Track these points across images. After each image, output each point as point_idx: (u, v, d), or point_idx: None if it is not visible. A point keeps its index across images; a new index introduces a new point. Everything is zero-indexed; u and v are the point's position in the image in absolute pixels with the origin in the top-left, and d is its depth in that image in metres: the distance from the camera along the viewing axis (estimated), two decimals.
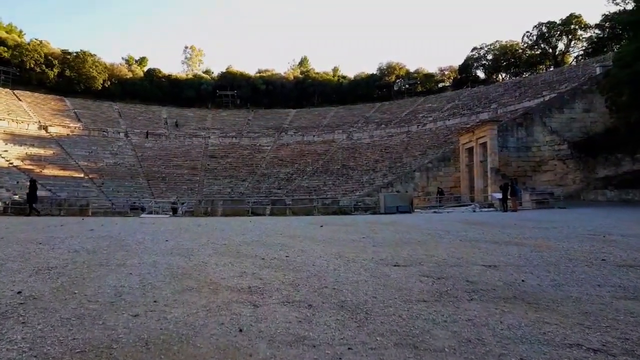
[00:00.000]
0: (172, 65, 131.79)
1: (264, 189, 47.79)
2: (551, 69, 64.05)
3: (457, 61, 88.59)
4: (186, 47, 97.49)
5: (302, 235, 10.69)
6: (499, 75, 75.47)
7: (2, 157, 42.73)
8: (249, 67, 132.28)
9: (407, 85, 77.23)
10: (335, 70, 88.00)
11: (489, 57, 75.05)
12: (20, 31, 74.90)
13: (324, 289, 5.25)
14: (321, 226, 13.24)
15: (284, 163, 54.36)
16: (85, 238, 9.34)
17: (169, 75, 76.39)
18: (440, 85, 78.58)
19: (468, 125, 45.98)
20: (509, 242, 9.67)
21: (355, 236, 10.81)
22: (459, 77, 76.66)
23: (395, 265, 6.89)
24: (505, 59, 73.52)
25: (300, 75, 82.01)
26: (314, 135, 61.30)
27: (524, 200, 26.72)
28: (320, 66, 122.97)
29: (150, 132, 60.24)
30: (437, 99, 64.21)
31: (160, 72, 76.10)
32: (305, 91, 77.01)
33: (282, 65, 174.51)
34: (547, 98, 42.67)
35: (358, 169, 47.72)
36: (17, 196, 35.31)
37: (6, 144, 45.45)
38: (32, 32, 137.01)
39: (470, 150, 35.45)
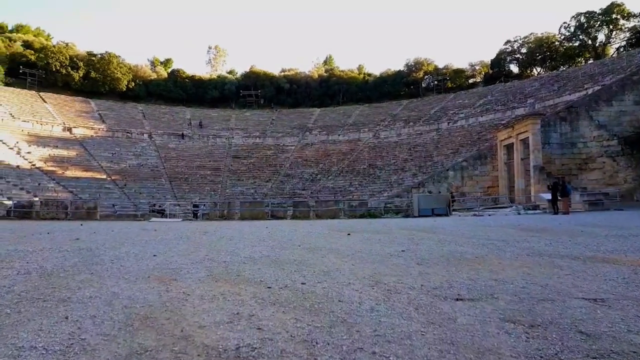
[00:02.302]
0: (196, 66, 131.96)
1: (287, 189, 46.01)
2: (591, 62, 60.18)
3: (489, 56, 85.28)
4: (210, 48, 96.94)
5: (325, 247, 8.66)
6: (534, 70, 71.79)
7: (25, 159, 42.24)
8: (273, 67, 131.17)
9: (435, 82, 74.32)
10: (360, 67, 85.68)
11: (523, 50, 71.47)
12: (48, 35, 75.54)
13: (358, 352, 3.22)
14: (348, 234, 11.19)
15: (308, 163, 52.49)
16: (56, 252, 7.54)
17: (193, 76, 75.59)
18: (470, 81, 75.40)
19: (503, 122, 43.15)
20: (594, 258, 7.46)
21: (391, 249, 8.73)
22: (490, 72, 73.31)
23: (457, 300, 4.81)
24: (540, 52, 69.79)
25: (325, 74, 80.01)
26: (339, 135, 59.23)
27: (574, 202, 24.04)
28: (345, 64, 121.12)
29: (177, 132, 59.35)
30: (468, 95, 61.24)
31: (184, 72, 75.39)
32: (330, 90, 74.98)
33: (306, 64, 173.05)
34: (590, 91, 39.50)
35: (386, 169, 45.41)
36: (37, 198, 34.53)
37: (30, 146, 45.01)
38: (60, 35, 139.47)
39: (509, 148, 32.75)
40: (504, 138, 33.32)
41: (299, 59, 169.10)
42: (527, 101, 48.77)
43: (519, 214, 21.80)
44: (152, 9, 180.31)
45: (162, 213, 28.74)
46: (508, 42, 72.67)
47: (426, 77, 76.84)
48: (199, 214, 25.72)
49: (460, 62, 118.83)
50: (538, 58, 70.54)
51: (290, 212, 20.95)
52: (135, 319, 3.90)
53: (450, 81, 73.64)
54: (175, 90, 71.57)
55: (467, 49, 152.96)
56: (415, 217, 20.19)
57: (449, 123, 52.83)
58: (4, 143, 42.68)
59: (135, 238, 9.97)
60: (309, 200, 27.56)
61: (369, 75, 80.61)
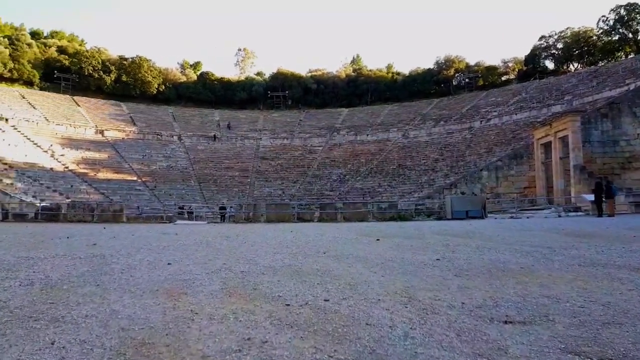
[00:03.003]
0: (224, 68, 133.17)
1: (315, 190, 45.49)
2: (632, 56, 57.30)
3: (523, 52, 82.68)
4: (239, 50, 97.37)
5: (352, 255, 8.01)
6: (570, 65, 69.08)
7: (59, 161, 43.13)
8: (300, 67, 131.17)
9: (467, 80, 72.49)
10: (389, 66, 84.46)
11: (559, 45, 68.88)
12: (82, 40, 77.47)
13: None
14: (377, 239, 10.49)
15: (336, 164, 51.85)
16: (68, 259, 7.15)
17: (221, 78, 76.10)
18: (503, 78, 73.20)
19: (539, 120, 41.48)
20: None
21: (425, 256, 8.00)
22: (524, 68, 70.95)
23: (506, 322, 4.10)
24: (577, 47, 67.03)
25: (353, 74, 79.17)
26: (367, 135, 58.35)
27: (618, 203, 22.58)
28: (374, 63, 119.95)
29: (206, 134, 59.77)
30: (501, 93, 59.36)
31: (212, 75, 75.99)
32: (358, 89, 74.09)
33: (333, 64, 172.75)
34: (632, 86, 37.46)
35: (416, 169, 44.32)
36: (69, 200, 35.10)
37: (63, 148, 45.99)
38: (93, 40, 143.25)
39: (546, 146, 31.26)
40: (541, 136, 31.83)
41: (326, 59, 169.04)
42: (564, 98, 46.81)
43: (560, 216, 20.58)
44: (182, 13, 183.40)
45: (190, 214, 28.66)
46: (543, 37, 70.25)
47: (457, 75, 75.06)
48: (226, 216, 25.46)
49: (492, 59, 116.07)
50: (575, 53, 67.82)
51: (317, 214, 20.36)
52: (129, 346, 3.36)
53: (482, 79, 71.67)
54: (204, 92, 72.17)
55: (500, 45, 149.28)
56: (448, 219, 19.27)
57: (481, 121, 51.25)
58: (38, 146, 43.72)
59: (154, 243, 9.56)
60: (337, 202, 26.90)
61: (398, 74, 79.33)
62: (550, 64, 70.91)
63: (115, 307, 4.40)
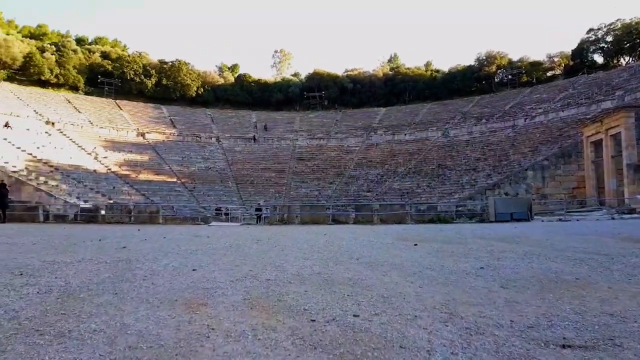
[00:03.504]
0: (261, 70, 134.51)
1: (352, 191, 44.91)
2: None
3: (569, 46, 79.11)
4: (276, 51, 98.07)
5: (387, 262, 7.47)
6: (621, 59, 65.42)
7: (102, 163, 44.38)
8: (336, 67, 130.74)
9: (509, 76, 69.88)
10: (427, 64, 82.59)
11: (609, 38, 65.32)
12: (124, 45, 79.82)
13: None
14: (415, 244, 9.88)
15: (373, 164, 51.06)
16: (94, 264, 6.97)
17: (258, 80, 76.63)
18: (549, 73, 70.11)
19: (588, 116, 39.36)
20: None
21: (467, 264, 7.38)
22: (571, 63, 67.77)
23: (564, 347, 3.59)
24: (629, 39, 63.32)
25: (390, 72, 77.92)
26: (405, 134, 57.22)
27: None
28: (412, 61, 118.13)
29: (244, 136, 60.33)
30: (547, 89, 56.88)
31: (249, 77, 76.63)
32: (395, 88, 72.84)
33: (370, 63, 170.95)
34: None
35: (456, 169, 42.98)
36: (111, 201, 35.99)
37: (106, 151, 47.33)
38: (135, 45, 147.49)
39: (597, 144, 29.49)
40: (590, 134, 30.06)
41: (363, 58, 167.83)
42: (615, 93, 44.27)
43: (613, 218, 19.20)
44: (221, 16, 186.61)
45: (225, 215, 28.74)
46: (591, 30, 66.85)
47: (499, 71, 72.53)
48: (261, 217, 25.30)
49: (537, 54, 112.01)
50: (626, 46, 64.12)
51: (352, 216, 19.82)
52: None
53: (526, 75, 68.92)
54: (242, 94, 72.88)
55: (545, 39, 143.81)
56: (491, 222, 18.31)
57: (525, 119, 49.22)
58: (82, 149, 45.17)
59: (183, 247, 9.33)
60: (373, 204, 26.25)
61: (437, 71, 77.51)
62: (599, 58, 67.45)
63: (127, 321, 4.09)
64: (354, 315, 4.29)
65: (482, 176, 39.09)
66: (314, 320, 4.13)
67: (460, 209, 22.08)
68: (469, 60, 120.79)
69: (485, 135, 50.16)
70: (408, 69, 78.12)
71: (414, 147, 52.72)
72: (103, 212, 19.59)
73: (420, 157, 49.26)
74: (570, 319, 4.26)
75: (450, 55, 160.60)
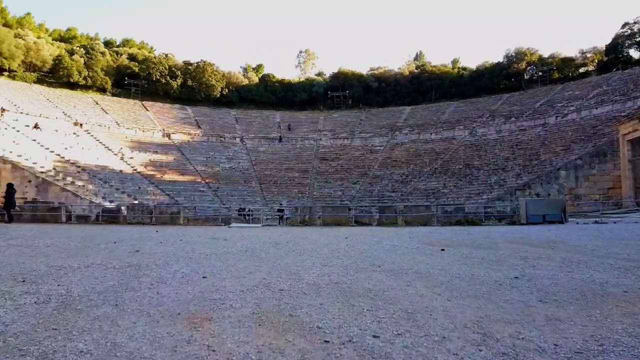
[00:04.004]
0: (286, 70, 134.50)
1: (376, 191, 44.19)
2: None
3: (603, 41, 76.06)
4: (300, 52, 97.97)
5: (411, 270, 6.91)
6: None
7: (128, 164, 44.88)
8: (361, 66, 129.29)
9: (540, 73, 67.78)
10: (454, 62, 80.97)
11: None
12: (151, 47, 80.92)
13: None
14: (442, 249, 9.27)
15: (398, 164, 50.17)
16: (101, 270, 6.64)
17: (282, 80, 76.53)
18: (581, 70, 67.68)
19: (624, 114, 37.70)
20: None
21: (499, 273, 6.76)
22: (605, 59, 65.16)
23: None
24: None
25: (416, 70, 76.62)
26: (431, 133, 56.08)
27: None
28: (438, 59, 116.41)
29: (268, 136, 60.32)
30: (579, 86, 54.84)
31: (273, 77, 76.61)
32: (421, 86, 71.55)
33: (395, 62, 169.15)
34: None
35: (484, 169, 41.77)
36: (137, 201, 36.27)
37: (132, 151, 47.87)
38: (161, 47, 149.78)
39: (634, 143, 28.04)
40: (627, 132, 28.60)
41: (387, 56, 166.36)
42: None
43: None
44: (246, 16, 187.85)
45: (247, 216, 28.48)
46: (626, 24, 64.16)
47: (529, 68, 70.43)
48: (283, 218, 24.94)
49: (568, 49, 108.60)
50: None
51: (376, 217, 19.21)
52: None
53: (557, 71, 66.71)
54: (266, 94, 72.90)
55: (576, 35, 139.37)
56: (522, 224, 17.45)
57: (557, 117, 47.52)
58: (109, 149, 45.79)
59: (198, 251, 8.97)
60: (397, 205, 25.55)
61: (464, 69, 75.83)
62: (635, 53, 64.66)
63: (119, 339, 3.68)
64: (374, 336, 3.79)
65: (511, 176, 37.84)
66: (328, 342, 3.65)
67: (489, 210, 21.18)
68: (497, 57, 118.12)
69: (515, 133, 48.66)
70: (434, 66, 76.68)
71: (440, 147, 51.59)
72: (125, 212, 19.53)
73: (446, 157, 48.14)
74: (625, 343, 3.68)
75: (478, 52, 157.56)
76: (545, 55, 70.15)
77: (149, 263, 7.26)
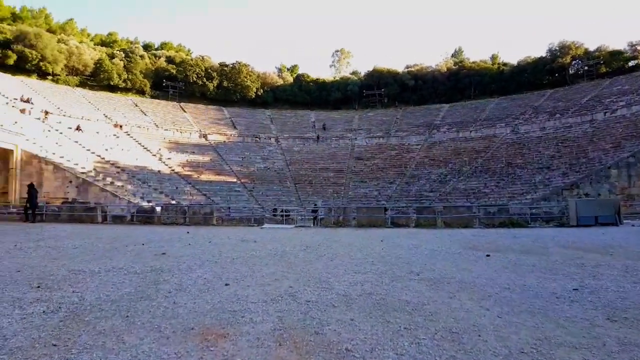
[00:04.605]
0: (320, 69, 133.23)
1: (413, 191, 43.06)
2: None
3: None
4: (335, 51, 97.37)
5: (454, 279, 6.23)
6: None
7: (165, 164, 45.55)
8: (397, 64, 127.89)
9: (586, 67, 64.52)
10: (494, 57, 78.28)
11: None
12: (188, 50, 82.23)
13: None
14: (487, 255, 8.49)
15: (436, 163, 48.79)
16: (121, 275, 6.30)
17: (317, 79, 76.12)
18: (631, 63, 63.98)
19: None
20: None
21: (555, 284, 5.99)
22: None
23: None
24: None
25: (454, 67, 74.49)
26: (470, 131, 54.29)
27: None
28: (477, 55, 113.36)
29: (302, 136, 60.13)
30: (629, 80, 51.75)
31: (308, 76, 76.33)
32: (459, 83, 69.46)
33: (432, 59, 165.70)
34: None
35: (527, 168, 39.96)
36: (174, 201, 36.67)
37: (170, 152, 48.58)
38: (198, 49, 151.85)
39: None
40: None
41: (424, 53, 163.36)
42: None
43: None
44: (281, 17, 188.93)
45: (283, 216, 28.13)
46: None
47: (574, 62, 67.17)
48: (317, 218, 24.43)
49: (617, 42, 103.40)
50: None
51: (413, 219, 18.41)
52: None
53: (605, 65, 63.32)
54: (300, 94, 72.70)
55: (626, 26, 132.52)
56: (572, 226, 16.27)
57: (605, 113, 44.97)
58: (148, 150, 46.62)
59: (225, 254, 8.56)
60: (436, 205, 24.58)
61: (505, 64, 73.16)
62: None
63: (126, 356, 3.26)
64: None
65: (557, 175, 36.01)
66: None
67: (535, 211, 19.97)
68: (539, 51, 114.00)
69: (560, 130, 46.40)
70: (473, 62, 74.36)
71: (481, 145, 49.85)
72: (159, 213, 19.52)
73: (487, 155, 46.44)
74: None
75: (519, 47, 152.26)
76: (592, 48, 66.77)
77: (172, 267, 6.88)
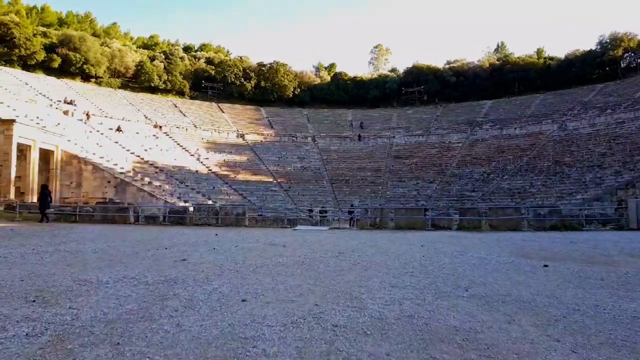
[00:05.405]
0: (358, 67, 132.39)
1: (454, 191, 41.45)
2: None
3: None
4: (374, 47, 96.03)
5: (509, 296, 5.27)
6: None
7: (204, 164, 45.83)
8: (437, 60, 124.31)
9: (639, 60, 60.74)
10: (539, 51, 74.85)
11: None
12: (227, 51, 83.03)
13: None
14: (545, 265, 7.43)
15: (478, 161, 46.88)
16: (129, 287, 5.69)
17: (354, 78, 75.03)
18: None
19: None
20: None
21: (633, 304, 4.97)
22: None
23: None
24: None
25: (497, 62, 71.67)
26: (515, 128, 51.90)
27: None
28: (521, 49, 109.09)
29: (340, 134, 59.36)
30: None
31: (345, 75, 75.37)
32: (503, 79, 66.68)
33: (474, 54, 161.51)
34: None
35: (577, 166, 37.66)
36: (211, 201, 36.67)
37: (208, 152, 48.90)
38: (237, 50, 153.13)
39: None
40: None
41: (466, 49, 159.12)
42: None
43: None
44: (319, 15, 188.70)
45: (324, 217, 27.40)
46: None
47: (626, 55, 63.28)
48: (354, 219, 23.59)
49: None
50: None
51: (456, 221, 17.25)
52: None
53: None
54: (337, 92, 71.85)
55: None
56: (633, 230, 14.75)
57: None
58: (186, 150, 47.04)
59: (249, 261, 7.88)
60: (479, 206, 23.22)
61: (551, 59, 69.73)
62: None
63: None
64: None
65: (609, 174, 33.67)
66: None
67: (590, 213, 18.37)
68: (588, 44, 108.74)
69: (612, 127, 43.58)
70: (518, 57, 71.31)
71: (526, 142, 47.52)
72: (191, 213, 19.20)
73: (533, 153, 44.19)
74: None
75: (566, 40, 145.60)
76: None
77: (187, 277, 6.24)
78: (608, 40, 64.13)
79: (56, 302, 4.83)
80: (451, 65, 73.33)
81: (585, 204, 26.74)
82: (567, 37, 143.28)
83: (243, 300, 4.98)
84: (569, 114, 50.19)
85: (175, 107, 58.80)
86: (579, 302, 5.06)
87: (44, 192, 18.70)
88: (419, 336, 3.83)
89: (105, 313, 4.44)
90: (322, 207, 31.99)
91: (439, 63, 75.93)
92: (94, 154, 33.14)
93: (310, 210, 28.98)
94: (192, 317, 4.34)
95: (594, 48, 65.38)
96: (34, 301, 4.86)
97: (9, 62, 50.08)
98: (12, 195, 25.14)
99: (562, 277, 6.51)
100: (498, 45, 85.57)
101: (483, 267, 7.27)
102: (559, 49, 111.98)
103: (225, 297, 5.15)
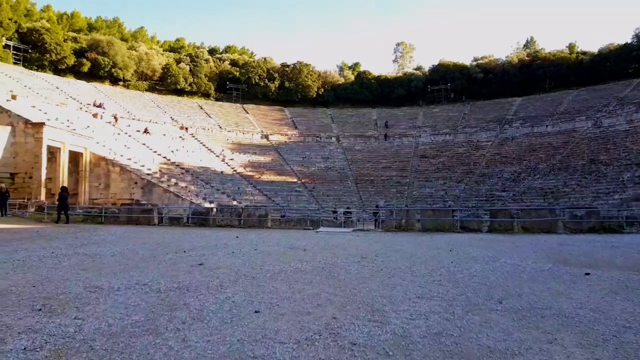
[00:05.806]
0: (382, 66, 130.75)
1: (483, 191, 40.31)
2: None
3: None
4: (397, 45, 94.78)
5: (549, 310, 4.74)
6: None
7: (229, 165, 45.99)
8: (464, 57, 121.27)
9: None
10: (571, 46, 72.37)
11: None
12: (252, 53, 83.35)
13: None
14: (587, 274, 6.82)
15: (508, 160, 45.53)
16: (140, 295, 5.42)
17: (379, 76, 74.11)
18: None
19: None
20: None
21: None
22: None
23: None
24: None
25: (526, 58, 69.59)
26: (546, 126, 50.19)
27: None
28: (551, 45, 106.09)
29: (364, 134, 58.74)
30: None
31: (369, 74, 74.53)
32: (533, 75, 64.66)
33: (502, 50, 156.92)
34: None
35: (613, 164, 36.07)
36: (235, 202, 36.71)
37: (232, 153, 49.07)
38: (261, 52, 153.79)
39: None
40: None
41: (494, 45, 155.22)
42: None
43: None
44: (342, 14, 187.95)
45: (349, 218, 26.91)
46: None
47: None
48: (378, 221, 23.05)
49: None
50: None
51: (486, 223, 16.53)
52: None
53: None
54: (361, 92, 71.13)
55: None
56: None
57: None
58: (211, 151, 47.32)
59: (267, 266, 7.54)
60: (511, 207, 22.30)
61: (584, 53, 67.28)
62: None
63: None
64: None
65: None
66: None
67: (631, 214, 17.35)
68: (624, 37, 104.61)
69: None
70: (548, 53, 69.10)
71: (558, 140, 45.88)
72: (214, 215, 19.07)
73: (566, 152, 42.61)
74: None
75: (599, 33, 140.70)
76: None
77: (201, 285, 5.93)
78: None
79: (62, 312, 4.59)
80: (478, 61, 71.68)
81: (623, 204, 25.49)
82: (600, 31, 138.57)
83: (256, 312, 4.63)
84: (604, 110, 48.25)
85: (201, 108, 59.32)
86: (629, 317, 4.51)
87: (63, 195, 18.92)
88: (448, 359, 3.39)
89: (110, 325, 4.16)
90: (347, 208, 31.45)
91: (466, 60, 74.32)
92: (122, 155, 33.57)
93: (335, 211, 28.49)
94: (200, 330, 4.02)
95: (629, 41, 62.79)
96: (40, 310, 4.63)
97: (40, 67, 51.41)
98: (42, 197, 25.60)
99: (607, 287, 5.93)
100: (527, 40, 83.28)
101: (517, 276, 6.72)
102: (592, 44, 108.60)
103: (237, 307, 4.82)
